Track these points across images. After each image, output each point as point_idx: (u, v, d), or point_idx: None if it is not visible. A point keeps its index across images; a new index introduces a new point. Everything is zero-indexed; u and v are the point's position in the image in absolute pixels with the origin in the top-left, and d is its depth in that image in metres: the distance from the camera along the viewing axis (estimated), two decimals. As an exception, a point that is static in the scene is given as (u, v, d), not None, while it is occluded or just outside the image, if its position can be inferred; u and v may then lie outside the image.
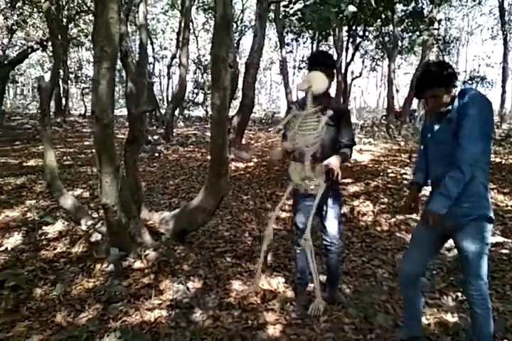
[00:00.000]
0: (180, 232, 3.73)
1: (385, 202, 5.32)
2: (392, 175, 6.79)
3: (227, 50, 3.58)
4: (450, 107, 2.05)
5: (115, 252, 3.22)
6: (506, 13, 23.22)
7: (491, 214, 2.09)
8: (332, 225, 2.74)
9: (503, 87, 21.09)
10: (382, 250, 3.90)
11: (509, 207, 5.19)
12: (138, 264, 3.26)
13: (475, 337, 2.20)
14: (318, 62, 2.60)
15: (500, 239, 4.13)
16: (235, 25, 22.27)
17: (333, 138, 2.63)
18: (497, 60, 33.93)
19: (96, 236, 3.58)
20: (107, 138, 2.98)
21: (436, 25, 15.79)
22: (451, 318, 2.69)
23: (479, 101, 1.97)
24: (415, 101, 18.41)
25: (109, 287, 2.96)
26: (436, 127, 2.15)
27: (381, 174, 6.89)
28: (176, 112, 16.61)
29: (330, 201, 2.71)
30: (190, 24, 18.77)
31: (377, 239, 4.20)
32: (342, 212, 2.82)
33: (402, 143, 11.89)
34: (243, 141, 9.23)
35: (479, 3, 20.10)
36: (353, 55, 12.93)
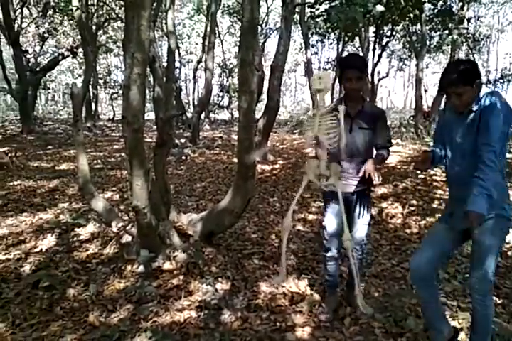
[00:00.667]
0: (208, 234, 3.77)
1: (415, 204, 5.23)
2: (421, 176, 6.66)
3: (254, 53, 3.62)
4: (475, 108, 2.03)
5: (145, 253, 3.29)
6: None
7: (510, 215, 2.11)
8: (359, 230, 2.69)
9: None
10: (412, 253, 3.83)
11: None
12: (167, 266, 3.32)
13: (473, 334, 2.24)
14: (351, 64, 2.50)
15: None
16: (260, 28, 22.36)
17: (368, 141, 2.59)
18: (530, 57, 32.80)
19: (126, 238, 3.66)
20: (138, 142, 3.05)
21: (465, 23, 15.42)
22: (485, 323, 2.61)
23: (499, 108, 1.96)
24: (444, 101, 17.99)
25: (140, 288, 3.02)
26: (458, 128, 2.12)
27: (410, 175, 6.76)
28: (202, 115, 16.80)
29: (359, 204, 2.65)
30: (216, 28, 18.99)
31: (407, 242, 4.13)
32: (370, 214, 2.76)
33: (431, 144, 11.64)
34: (268, 143, 9.24)
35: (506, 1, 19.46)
36: (380, 55, 12.76)
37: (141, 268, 3.28)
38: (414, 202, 5.30)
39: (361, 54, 16.01)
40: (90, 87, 19.19)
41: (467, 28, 16.09)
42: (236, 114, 23.65)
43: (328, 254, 2.73)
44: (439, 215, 2.41)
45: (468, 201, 1.91)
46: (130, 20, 2.90)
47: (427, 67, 23.16)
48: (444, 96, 2.20)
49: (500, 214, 2.06)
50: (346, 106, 2.47)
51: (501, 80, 22.19)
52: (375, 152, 2.64)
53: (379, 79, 21.39)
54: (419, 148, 10.77)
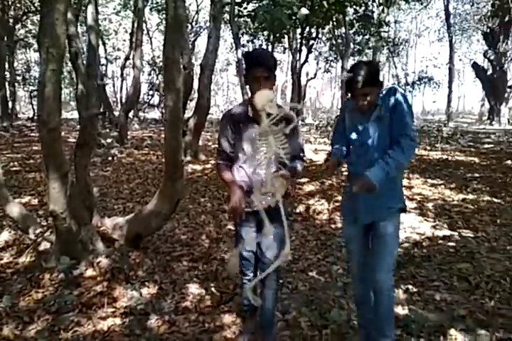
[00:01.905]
0: (135, 238, 3.65)
1: (339, 200, 5.45)
2: (346, 173, 6.95)
3: (180, 51, 3.57)
4: (379, 102, 2.08)
5: (65, 261, 3.12)
6: (451, 16, 24.48)
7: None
8: (270, 249, 2.31)
9: (450, 87, 22.17)
10: (337, 247, 3.99)
11: (455, 202, 5.47)
12: (90, 272, 3.17)
13: (378, 321, 2.24)
14: (259, 62, 2.12)
15: (448, 232, 4.34)
16: (189, 26, 22.09)
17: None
18: (443, 61, 35.65)
19: (45, 245, 3.44)
20: (54, 142, 2.89)
21: (385, 27, 16.38)
22: (401, 311, 2.78)
23: (406, 98, 2.07)
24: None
25: (60, 297, 2.85)
26: (363, 127, 2.15)
27: (335, 173, 7.05)
28: (131, 114, 16.27)
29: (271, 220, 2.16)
30: (144, 25, 18.46)
31: (332, 237, 4.29)
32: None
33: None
34: (200, 143, 9.17)
35: (425, 6, 21.02)
36: (307, 56, 13.16)
37: (61, 276, 3.10)
38: (339, 198, 5.52)
39: (290, 55, 16.38)
40: (7, 84, 17.85)
41: (387, 32, 17.09)
42: (167, 113, 23.21)
43: (246, 278, 2.45)
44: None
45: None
46: (45, 13, 2.73)
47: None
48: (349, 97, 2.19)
49: (403, 207, 2.19)
50: (252, 110, 2.20)
51: (418, 82, 23.85)
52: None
53: (307, 80, 22.06)
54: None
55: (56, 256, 3.22)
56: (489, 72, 22.53)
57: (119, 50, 30.96)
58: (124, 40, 28.46)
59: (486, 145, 11.59)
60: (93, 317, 2.64)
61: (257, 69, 2.12)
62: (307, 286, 3.19)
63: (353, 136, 2.21)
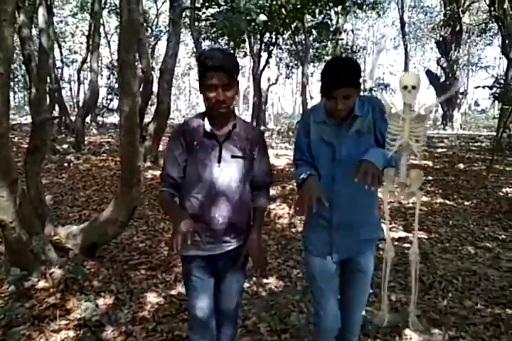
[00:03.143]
0: (90, 247, 3.54)
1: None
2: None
3: (134, 55, 3.51)
4: (359, 113, 1.70)
5: (15, 272, 2.97)
6: (406, 25, 25.51)
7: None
8: (230, 300, 1.93)
9: (404, 93, 22.99)
10: (297, 250, 4.03)
11: (410, 204, 5.65)
12: (42, 284, 3.03)
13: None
14: (216, 65, 1.64)
15: (403, 234, 4.48)
16: (149, 30, 21.81)
17: (244, 175, 1.80)
18: (399, 68, 37.03)
19: (-7, 257, 3.28)
20: (2, 148, 2.76)
21: (343, 35, 16.83)
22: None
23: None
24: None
25: (10, 310, 2.70)
26: (341, 139, 1.73)
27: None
28: (88, 119, 15.82)
29: (231, 267, 1.86)
30: (102, 28, 18.05)
31: (293, 241, 4.33)
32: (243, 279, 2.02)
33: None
34: (160, 148, 9.03)
35: (379, 16, 21.79)
36: (267, 61, 13.30)
37: (12, 288, 2.95)
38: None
39: (251, 60, 16.47)
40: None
41: (342, 39, 17.55)
42: (127, 118, 22.73)
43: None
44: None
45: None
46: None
47: (311, 76, 24.71)
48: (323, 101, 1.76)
49: (381, 237, 1.85)
50: (210, 125, 1.76)
51: (375, 88, 24.63)
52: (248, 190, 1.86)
53: (269, 86, 22.27)
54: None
55: (6, 267, 3.07)
56: (442, 79, 23.55)
57: (75, 53, 30.13)
58: (81, 43, 27.70)
59: (439, 150, 12.07)
60: (45, 330, 2.53)
61: (213, 75, 1.64)
62: (267, 291, 3.20)
63: (324, 153, 1.77)
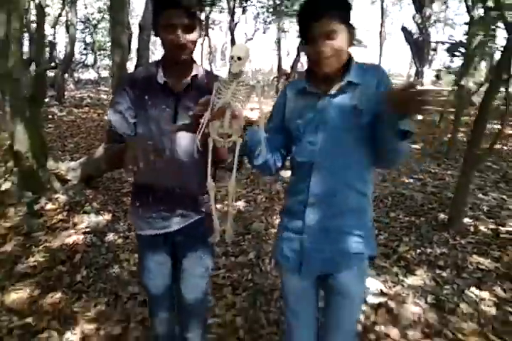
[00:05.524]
0: (87, 178, 4.19)
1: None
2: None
3: (124, 14, 4.08)
4: (354, 80, 1.27)
5: (28, 195, 3.61)
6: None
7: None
8: (194, 288, 1.64)
9: (380, 49, 23.38)
10: (263, 181, 4.75)
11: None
12: (50, 206, 3.70)
13: None
14: (173, 0, 1.34)
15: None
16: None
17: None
18: (376, 25, 36.91)
19: (6, 185, 3.88)
20: (18, 90, 3.33)
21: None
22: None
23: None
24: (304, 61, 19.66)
25: (28, 222, 3.38)
26: (330, 108, 1.29)
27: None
28: (65, 75, 15.84)
29: (189, 250, 1.60)
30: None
31: (260, 174, 5.03)
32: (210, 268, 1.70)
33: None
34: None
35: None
36: (241, 16, 13.45)
37: (25, 209, 3.61)
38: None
39: (228, 16, 16.47)
40: None
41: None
42: (103, 74, 22.57)
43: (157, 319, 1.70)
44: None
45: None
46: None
47: (288, 32, 24.61)
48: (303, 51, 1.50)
49: (373, 255, 1.42)
50: (166, 76, 1.45)
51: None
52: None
53: (246, 41, 22.27)
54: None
55: (19, 193, 3.70)
56: (416, 36, 23.86)
57: (47, 6, 28.93)
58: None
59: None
60: (59, 236, 3.22)
61: (172, 13, 1.33)
62: (235, 211, 3.92)
63: (301, 122, 1.36)
